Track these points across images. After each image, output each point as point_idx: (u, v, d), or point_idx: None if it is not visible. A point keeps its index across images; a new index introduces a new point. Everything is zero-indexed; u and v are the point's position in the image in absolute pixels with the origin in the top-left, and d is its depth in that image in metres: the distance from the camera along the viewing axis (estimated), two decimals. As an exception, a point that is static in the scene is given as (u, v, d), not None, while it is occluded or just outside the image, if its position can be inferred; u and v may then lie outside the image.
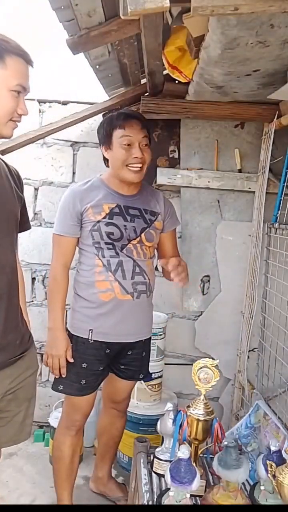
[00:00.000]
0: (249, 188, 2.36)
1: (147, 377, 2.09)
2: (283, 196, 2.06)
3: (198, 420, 1.40)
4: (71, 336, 1.82)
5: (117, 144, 1.74)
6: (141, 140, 1.74)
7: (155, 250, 1.94)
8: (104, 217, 1.75)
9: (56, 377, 1.81)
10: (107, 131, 1.77)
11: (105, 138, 1.79)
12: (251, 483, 1.46)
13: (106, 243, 1.75)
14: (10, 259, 1.31)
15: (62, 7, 1.42)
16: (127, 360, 1.89)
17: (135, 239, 1.78)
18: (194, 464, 1.33)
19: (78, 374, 1.79)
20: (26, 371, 1.37)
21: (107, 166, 1.84)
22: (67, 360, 1.78)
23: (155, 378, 2.33)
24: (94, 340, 1.78)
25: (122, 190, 1.81)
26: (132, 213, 1.80)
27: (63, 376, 1.78)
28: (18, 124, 1.23)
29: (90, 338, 1.78)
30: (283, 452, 1.31)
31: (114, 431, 2.09)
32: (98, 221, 1.75)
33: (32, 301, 2.61)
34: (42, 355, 2.57)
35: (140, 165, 1.74)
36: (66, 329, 1.86)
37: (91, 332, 1.78)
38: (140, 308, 1.82)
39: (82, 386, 1.80)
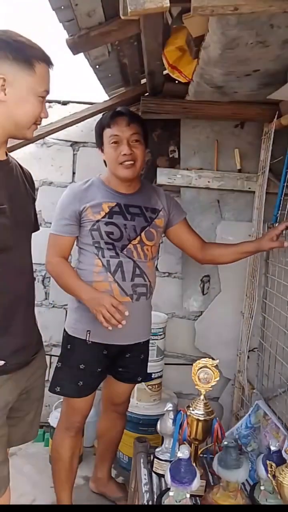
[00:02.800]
0: (249, 188, 2.36)
1: (146, 379, 2.07)
2: (283, 196, 2.05)
3: (198, 420, 1.40)
4: (68, 337, 1.81)
5: (107, 143, 1.76)
6: (129, 137, 1.73)
7: (158, 251, 1.93)
8: (104, 217, 1.74)
9: (122, 322, 1.61)
10: (98, 132, 1.80)
11: (98, 140, 1.81)
12: (251, 483, 1.46)
13: (106, 243, 1.74)
14: (28, 262, 1.33)
15: (62, 7, 1.43)
16: (125, 362, 1.87)
17: (135, 238, 1.76)
18: (194, 464, 1.33)
19: (75, 375, 1.77)
20: (38, 371, 1.39)
21: (107, 167, 1.84)
22: (66, 361, 1.78)
23: (155, 378, 2.33)
24: (92, 342, 1.76)
25: (122, 189, 1.80)
26: (132, 212, 1.78)
27: (123, 323, 1.61)
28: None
29: (87, 339, 1.76)
30: (283, 452, 1.31)
31: (114, 433, 2.08)
32: (98, 221, 1.74)
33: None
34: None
35: (131, 162, 1.73)
36: (64, 330, 1.84)
37: (89, 333, 1.76)
38: (139, 311, 1.79)
39: (80, 388, 1.78)
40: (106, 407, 2.06)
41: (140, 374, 1.95)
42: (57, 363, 1.85)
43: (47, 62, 1.20)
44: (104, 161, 1.84)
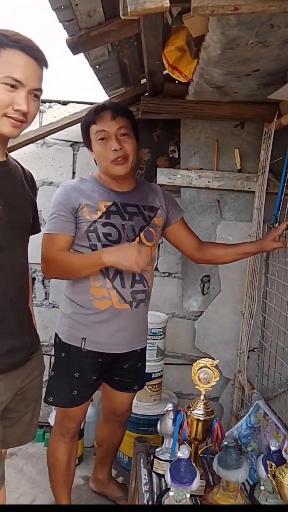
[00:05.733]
0: (249, 188, 2.36)
1: (143, 387, 1.99)
2: (283, 196, 2.06)
3: (198, 420, 1.40)
4: (62, 344, 1.73)
5: (94, 140, 1.66)
6: (117, 131, 1.62)
7: (157, 251, 1.89)
8: (101, 217, 1.65)
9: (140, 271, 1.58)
10: (84, 130, 1.70)
11: (85, 138, 1.72)
12: (251, 483, 1.46)
13: (104, 245, 1.64)
14: (21, 263, 1.31)
15: (62, 7, 1.43)
16: (122, 372, 1.82)
17: (134, 239, 1.69)
18: (194, 464, 1.33)
19: (70, 384, 1.71)
20: (34, 372, 1.38)
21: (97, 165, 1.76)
22: (60, 369, 1.74)
23: (155, 378, 2.33)
24: (87, 350, 1.69)
25: (117, 187, 1.72)
26: (130, 211, 1.70)
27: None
28: (22, 123, 1.15)
29: (83, 347, 1.69)
30: (283, 452, 1.31)
31: (115, 439, 2.05)
32: (95, 221, 1.64)
33: (32, 301, 2.60)
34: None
35: (122, 159, 1.63)
36: (56, 336, 1.78)
37: (84, 341, 1.69)
38: (137, 317, 1.74)
39: (74, 397, 1.72)
40: (107, 417, 2.00)
41: (136, 383, 1.88)
42: (50, 371, 1.78)
43: (23, 50, 1.10)
44: (95, 160, 1.75)
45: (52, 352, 2.59)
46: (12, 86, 1.10)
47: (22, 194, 1.30)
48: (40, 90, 1.17)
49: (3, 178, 1.22)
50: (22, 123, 1.15)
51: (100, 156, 1.67)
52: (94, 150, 1.70)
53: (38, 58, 1.14)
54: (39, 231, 1.49)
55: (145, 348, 1.87)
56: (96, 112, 1.66)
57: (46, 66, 1.18)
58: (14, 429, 1.37)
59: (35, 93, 1.16)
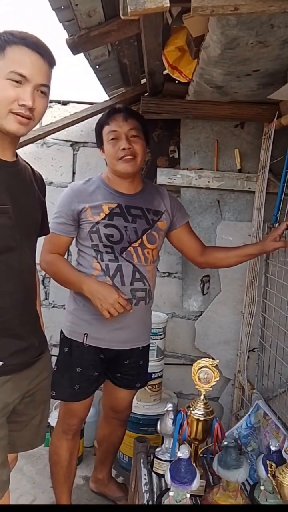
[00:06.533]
0: (249, 188, 2.36)
1: (145, 385, 2.02)
2: (283, 196, 2.06)
3: (198, 420, 1.40)
4: (65, 339, 1.78)
5: (106, 140, 1.73)
6: (128, 132, 1.69)
7: (159, 253, 1.89)
8: (103, 218, 1.70)
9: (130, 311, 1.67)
10: (97, 131, 1.77)
11: (98, 139, 1.78)
12: (251, 483, 1.46)
13: (105, 246, 1.70)
14: (28, 264, 1.30)
15: (62, 7, 1.43)
16: (124, 369, 1.83)
17: (136, 241, 1.72)
18: (194, 464, 1.33)
19: (71, 379, 1.74)
20: (42, 373, 1.36)
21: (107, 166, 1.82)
22: (62, 364, 1.75)
23: (155, 378, 2.33)
24: (89, 345, 1.73)
25: (123, 188, 1.75)
26: (133, 213, 1.74)
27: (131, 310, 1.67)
28: (28, 121, 1.14)
29: (85, 342, 1.73)
30: (283, 452, 1.31)
31: (115, 438, 2.05)
32: (97, 222, 1.69)
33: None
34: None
35: (130, 156, 1.69)
36: (61, 332, 1.81)
37: (86, 336, 1.73)
38: (138, 315, 1.75)
39: (76, 392, 1.75)
40: (107, 414, 2.02)
41: (138, 380, 1.90)
42: (54, 366, 1.78)
43: (28, 46, 1.10)
44: (106, 161, 1.81)
45: (52, 352, 2.59)
46: (18, 81, 1.10)
47: (31, 195, 1.30)
48: (47, 86, 1.16)
49: (12, 178, 1.22)
50: (29, 120, 1.14)
51: (109, 155, 1.73)
52: (105, 149, 1.75)
53: (45, 55, 1.13)
54: (48, 232, 1.49)
55: (147, 346, 1.90)
56: (109, 114, 1.74)
57: (54, 64, 1.17)
58: (23, 433, 1.36)
59: (42, 89, 1.14)
